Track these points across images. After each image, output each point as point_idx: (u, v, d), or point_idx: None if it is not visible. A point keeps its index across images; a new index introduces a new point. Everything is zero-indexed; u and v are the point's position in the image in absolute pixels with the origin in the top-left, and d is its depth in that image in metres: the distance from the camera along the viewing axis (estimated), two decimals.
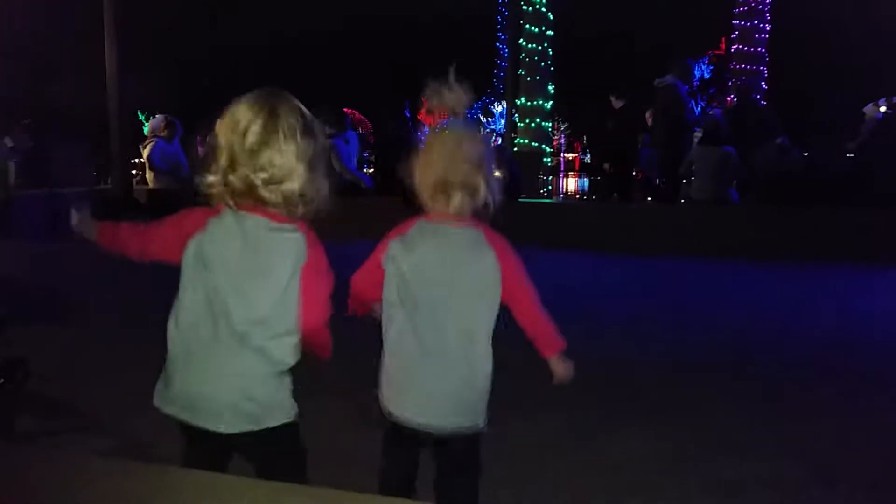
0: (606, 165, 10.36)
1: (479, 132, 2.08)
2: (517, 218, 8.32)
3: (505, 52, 17.96)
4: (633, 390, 3.61)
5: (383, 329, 1.92)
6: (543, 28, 13.78)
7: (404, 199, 2.02)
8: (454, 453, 1.93)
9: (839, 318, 5.27)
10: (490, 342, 1.90)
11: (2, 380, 3.06)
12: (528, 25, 13.76)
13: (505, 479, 2.57)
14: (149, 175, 10.46)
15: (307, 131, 1.69)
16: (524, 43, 13.78)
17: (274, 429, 1.69)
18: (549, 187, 15.34)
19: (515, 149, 13.40)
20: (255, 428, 1.66)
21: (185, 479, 1.49)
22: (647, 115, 9.67)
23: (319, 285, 1.72)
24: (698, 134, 9.12)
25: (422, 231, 1.90)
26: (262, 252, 1.67)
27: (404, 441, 1.93)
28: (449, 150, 1.88)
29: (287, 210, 1.68)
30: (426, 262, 1.87)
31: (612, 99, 9.60)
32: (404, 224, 1.93)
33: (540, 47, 13.80)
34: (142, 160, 10.67)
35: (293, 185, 1.67)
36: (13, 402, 3.06)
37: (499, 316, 1.92)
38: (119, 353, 4.16)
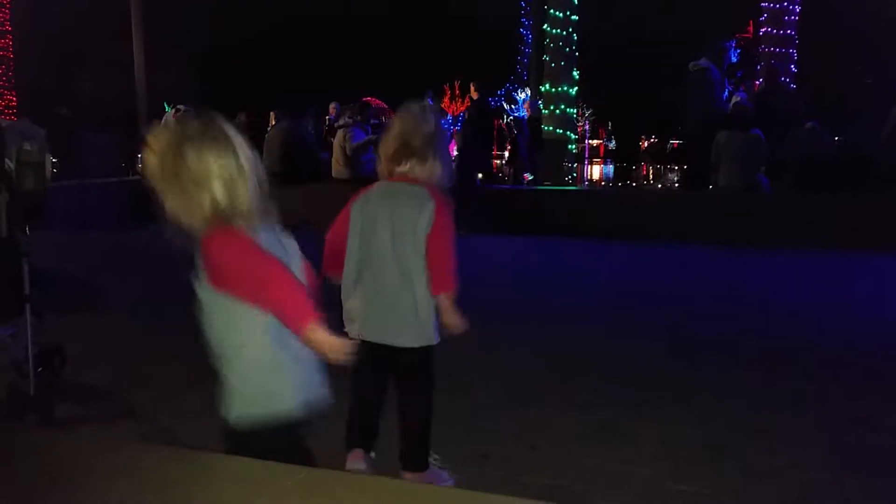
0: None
1: (435, 114, 2.42)
2: (543, 205, 8.19)
3: (529, 38, 17.79)
4: (662, 380, 3.60)
5: (345, 272, 2.36)
6: (568, 13, 13.60)
7: None
8: (408, 369, 2.38)
9: (873, 308, 5.19)
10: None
11: (40, 368, 3.14)
12: (552, 10, 13.58)
13: (540, 467, 2.59)
14: None
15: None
16: (549, 28, 13.61)
17: None
18: (574, 174, 15.22)
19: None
20: None
21: (219, 465, 1.52)
22: (526, 103, 11.63)
23: None
24: None
25: (379, 190, 2.35)
26: None
27: (370, 360, 2.32)
28: (407, 127, 2.30)
29: None
30: (377, 214, 2.31)
31: (473, 87, 10.24)
32: (370, 186, 2.38)
33: (565, 32, 13.63)
34: None
35: None
36: (51, 389, 3.14)
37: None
38: (152, 341, 4.24)
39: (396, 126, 2.34)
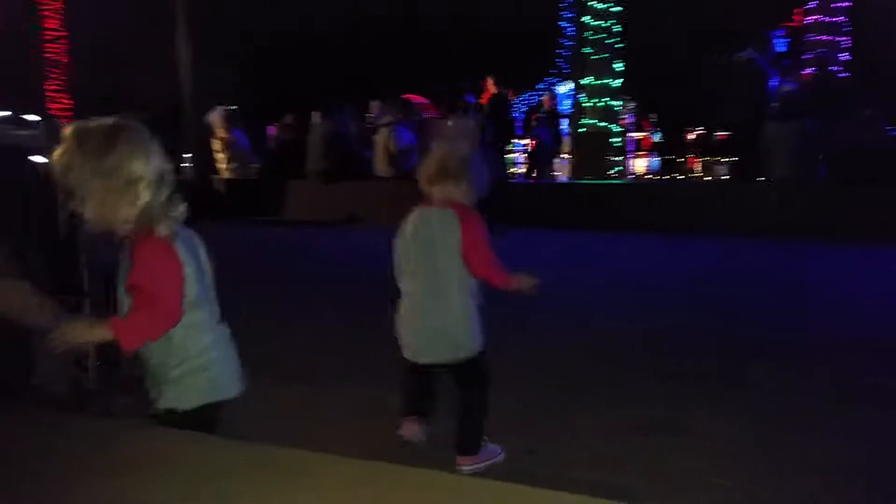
0: None
1: (471, 134, 2.79)
2: (591, 200, 8.14)
3: (570, 31, 17.63)
4: (714, 375, 3.55)
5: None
6: (610, 4, 13.44)
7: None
8: (458, 376, 2.58)
9: None
10: (464, 292, 2.51)
11: (98, 361, 3.25)
12: (593, 2, 13.43)
13: (590, 463, 2.59)
14: (222, 164, 10.79)
15: None
16: (590, 20, 13.47)
17: None
18: (618, 168, 15.03)
19: (582, 129, 13.17)
20: None
21: (267, 456, 1.56)
22: (544, 97, 12.11)
23: None
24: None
25: (416, 215, 2.59)
26: None
27: (417, 373, 2.64)
28: (443, 151, 2.58)
29: None
30: (414, 238, 2.55)
31: (490, 83, 10.66)
32: (413, 211, 2.62)
33: (606, 24, 13.47)
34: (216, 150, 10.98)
35: None
36: (109, 382, 3.25)
37: None
38: None
39: (434, 151, 2.63)
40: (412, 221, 2.59)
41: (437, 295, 2.51)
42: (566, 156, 13.87)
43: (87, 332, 1.72)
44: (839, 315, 4.72)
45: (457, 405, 2.61)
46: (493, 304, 2.64)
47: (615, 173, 13.20)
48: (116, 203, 1.69)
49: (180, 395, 1.83)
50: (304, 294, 5.47)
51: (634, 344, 4.08)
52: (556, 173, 13.11)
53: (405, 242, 2.58)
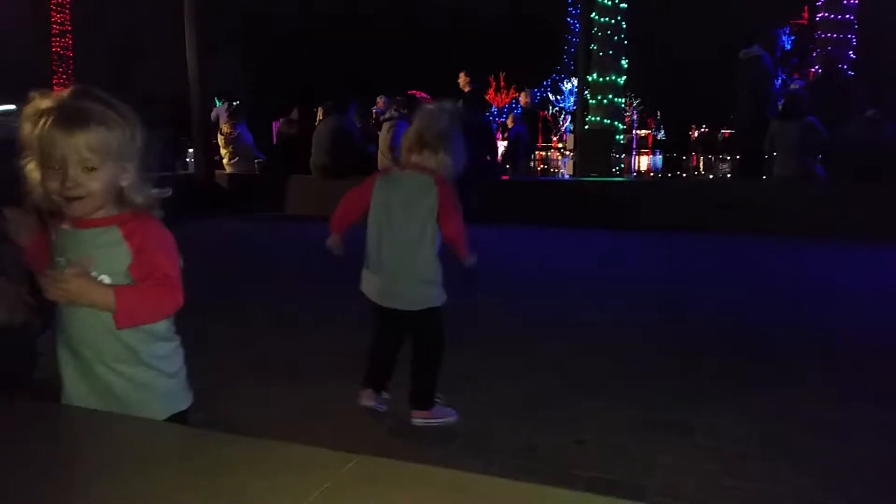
0: None
1: (452, 114, 2.80)
2: (591, 199, 8.11)
3: (576, 27, 17.59)
4: (716, 373, 3.53)
5: (367, 245, 2.81)
6: (617, 1, 13.39)
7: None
8: (417, 328, 2.79)
9: None
10: (431, 248, 2.71)
11: None
12: None
13: (590, 460, 2.58)
14: (225, 160, 10.79)
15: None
16: (596, 16, 13.41)
17: None
18: (622, 165, 15.02)
19: (587, 126, 13.13)
20: None
21: (276, 451, 1.55)
22: (521, 95, 12.20)
23: None
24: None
25: (394, 177, 2.80)
26: None
27: (383, 318, 2.83)
28: (423, 123, 2.72)
29: None
30: (391, 198, 2.72)
31: (463, 80, 10.60)
32: (387, 169, 2.86)
33: (613, 21, 13.41)
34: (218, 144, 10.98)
35: None
36: None
37: None
38: (205, 332, 4.33)
39: (415, 122, 2.76)
40: (392, 180, 2.78)
41: (406, 247, 2.70)
42: (569, 153, 13.87)
43: (87, 290, 1.52)
44: (840, 314, 4.70)
45: (413, 362, 2.81)
46: (494, 300, 2.63)
47: (616, 171, 13.18)
48: (116, 177, 1.57)
49: (182, 390, 1.77)
50: (309, 290, 5.46)
51: (637, 342, 4.06)
52: (561, 171, 13.12)
53: (383, 199, 2.74)
